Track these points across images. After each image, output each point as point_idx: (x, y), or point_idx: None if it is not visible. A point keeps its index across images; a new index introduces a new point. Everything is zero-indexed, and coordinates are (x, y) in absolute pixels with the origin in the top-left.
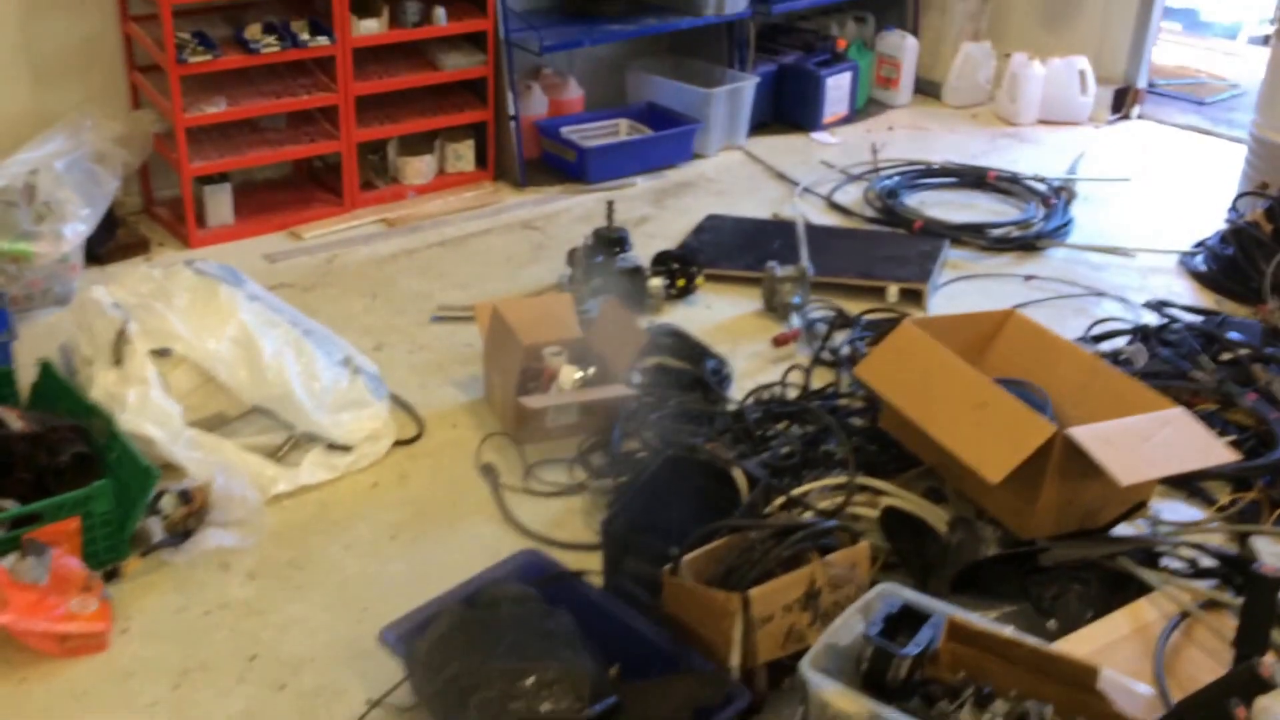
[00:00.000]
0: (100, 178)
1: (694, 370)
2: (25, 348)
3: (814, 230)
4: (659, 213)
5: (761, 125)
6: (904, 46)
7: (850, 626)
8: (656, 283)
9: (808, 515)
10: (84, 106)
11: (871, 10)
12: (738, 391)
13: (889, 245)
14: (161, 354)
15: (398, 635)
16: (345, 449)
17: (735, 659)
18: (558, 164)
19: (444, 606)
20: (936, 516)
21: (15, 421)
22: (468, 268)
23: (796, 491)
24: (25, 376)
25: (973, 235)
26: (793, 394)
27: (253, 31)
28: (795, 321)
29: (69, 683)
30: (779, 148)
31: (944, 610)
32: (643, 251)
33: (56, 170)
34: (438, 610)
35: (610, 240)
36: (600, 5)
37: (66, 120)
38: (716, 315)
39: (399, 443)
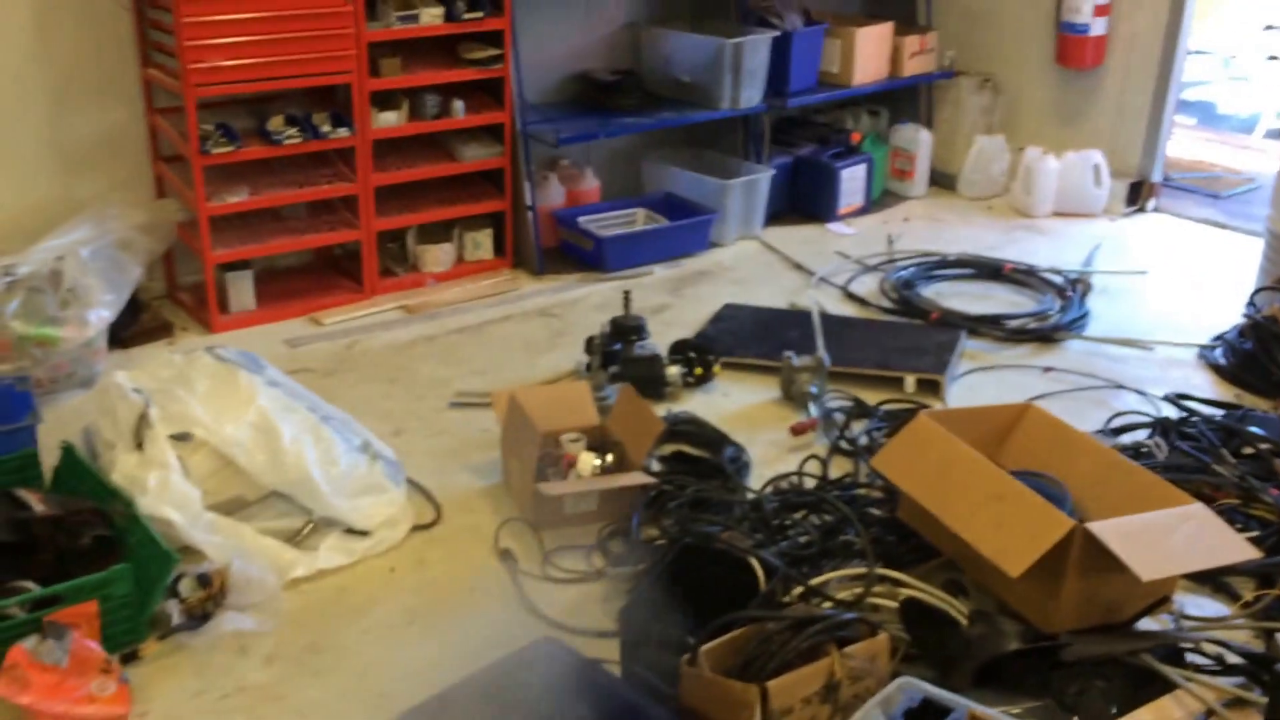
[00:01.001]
0: (124, 264)
1: (712, 458)
2: (49, 430)
3: (830, 320)
4: (676, 301)
5: (777, 215)
6: (918, 140)
7: None
8: (674, 371)
9: (826, 606)
10: (109, 195)
11: (885, 105)
12: (756, 480)
13: (906, 336)
14: (182, 438)
15: None
16: (363, 534)
17: None
18: (575, 252)
19: (457, 697)
20: (957, 609)
21: (38, 504)
22: (486, 354)
23: (815, 581)
24: (48, 459)
25: (990, 326)
26: (810, 483)
27: (275, 123)
28: (813, 411)
29: None
30: (795, 238)
31: (965, 705)
32: (660, 339)
33: (82, 257)
34: (450, 700)
35: (628, 328)
36: (616, 99)
37: (92, 208)
38: (734, 403)
39: (417, 527)
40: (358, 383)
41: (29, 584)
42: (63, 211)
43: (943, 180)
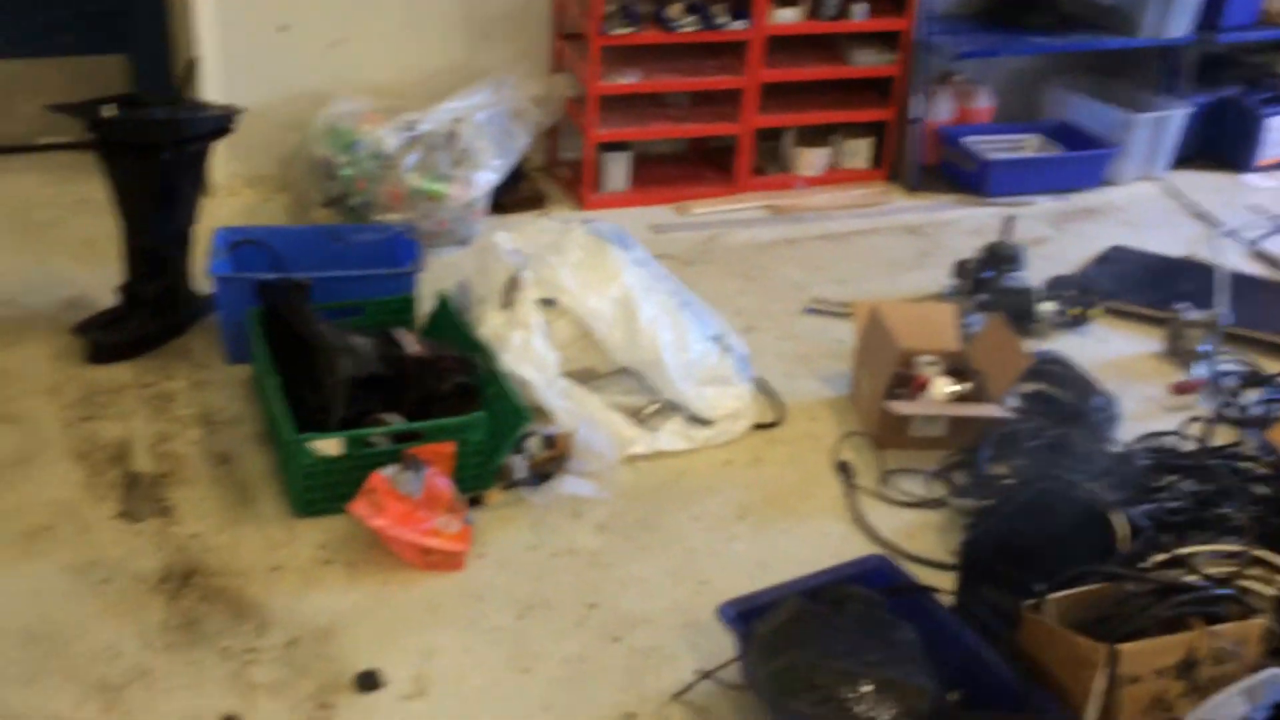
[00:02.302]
0: (514, 133)
1: (1077, 404)
2: (428, 280)
3: (1235, 278)
4: (1058, 236)
5: (1185, 159)
6: None
7: (1230, 707)
8: (1048, 307)
9: (1192, 578)
10: (509, 66)
11: None
12: (1123, 434)
13: None
14: (548, 304)
15: (736, 614)
16: (705, 423)
17: (1092, 714)
18: (955, 173)
19: (787, 594)
20: None
21: (411, 346)
22: (848, 264)
23: (1183, 551)
24: (424, 306)
25: None
26: (1188, 447)
27: (674, 10)
28: (1200, 371)
29: (425, 593)
30: (1202, 185)
31: None
32: (1035, 273)
33: (477, 121)
34: (780, 597)
35: (1003, 256)
36: (1028, 16)
37: (492, 77)
38: (1109, 350)
39: (758, 426)
40: (716, 275)
41: (395, 417)
42: (465, 77)
43: None
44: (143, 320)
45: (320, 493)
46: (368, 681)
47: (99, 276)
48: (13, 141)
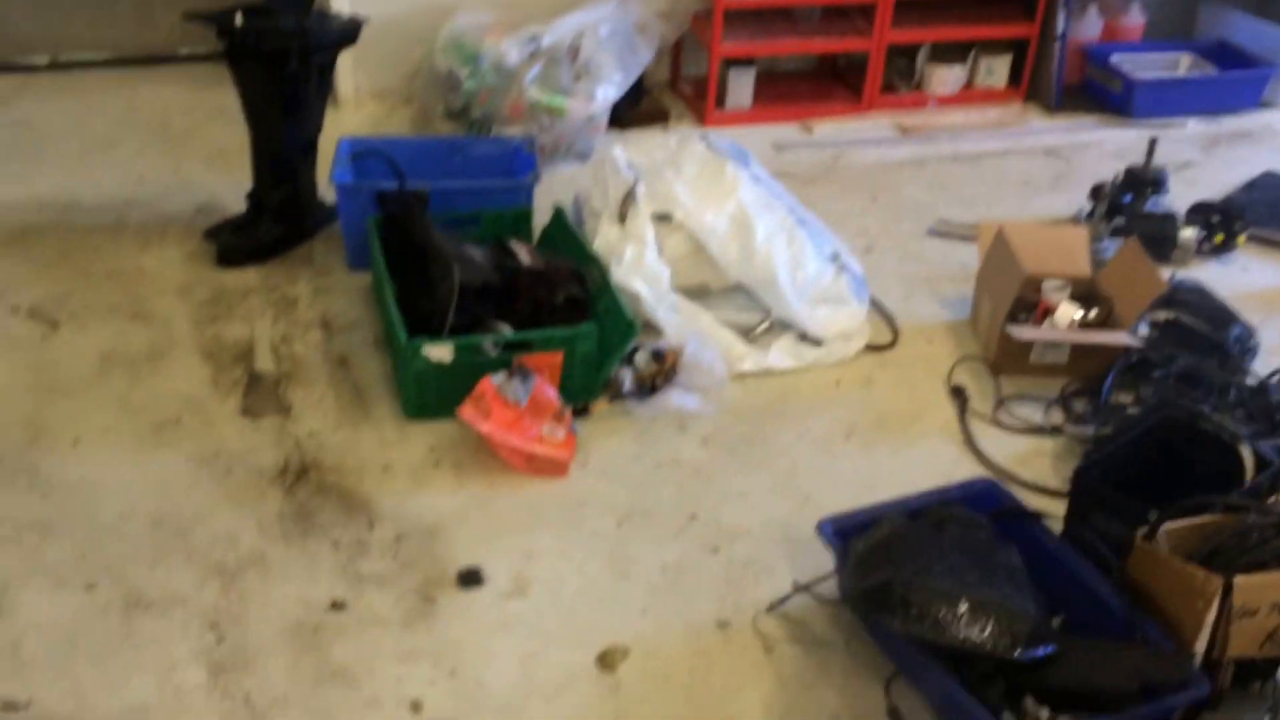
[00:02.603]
0: (637, 47)
1: (1213, 335)
2: (544, 192)
3: None
4: (1206, 160)
5: None
6: None
7: None
8: (1189, 234)
9: None
10: None
11: None
12: (1262, 367)
13: None
14: (662, 218)
15: (836, 529)
16: (816, 342)
17: (1201, 645)
18: (1099, 93)
19: (888, 512)
20: None
21: (525, 256)
22: (977, 186)
23: None
24: (539, 218)
25: None
26: None
27: None
28: None
29: (528, 498)
30: None
31: None
32: (1178, 199)
33: (600, 35)
34: (881, 515)
35: (1145, 180)
36: None
37: None
38: (1253, 281)
39: (870, 347)
40: (837, 194)
41: (505, 326)
42: None
43: None
44: (269, 226)
45: (431, 397)
46: (470, 578)
47: (230, 183)
48: (155, 52)
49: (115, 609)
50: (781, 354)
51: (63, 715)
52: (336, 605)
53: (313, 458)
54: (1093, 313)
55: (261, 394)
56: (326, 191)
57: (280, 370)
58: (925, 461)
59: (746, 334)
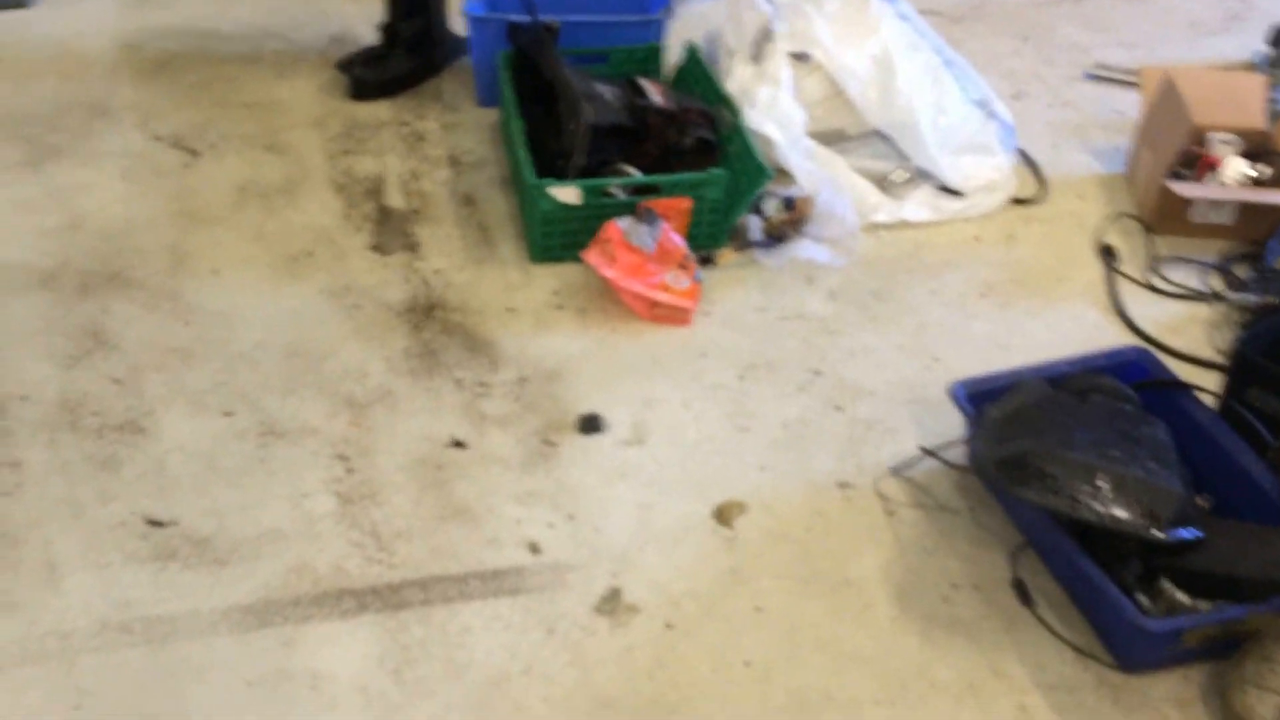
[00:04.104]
0: None
1: None
2: (677, 29)
3: None
4: None
5: None
6: None
7: None
8: None
9: None
10: None
11: None
12: None
13: None
14: (800, 58)
15: (969, 393)
16: (956, 194)
17: None
18: None
19: (1026, 378)
20: None
21: (655, 96)
22: (1141, 26)
23: None
24: (671, 56)
25: None
26: None
27: None
28: None
29: (650, 345)
30: None
31: None
32: None
33: None
34: (1019, 381)
35: None
36: None
37: None
38: None
39: (1015, 200)
40: (986, 35)
41: (633, 169)
42: None
43: None
44: (400, 59)
45: (556, 239)
46: (590, 424)
47: (363, 14)
48: None
49: (251, 435)
50: (919, 205)
51: (203, 535)
52: (459, 444)
53: (439, 296)
54: (1264, 169)
55: (390, 230)
56: (457, 23)
57: (409, 207)
58: (1067, 325)
59: (882, 183)
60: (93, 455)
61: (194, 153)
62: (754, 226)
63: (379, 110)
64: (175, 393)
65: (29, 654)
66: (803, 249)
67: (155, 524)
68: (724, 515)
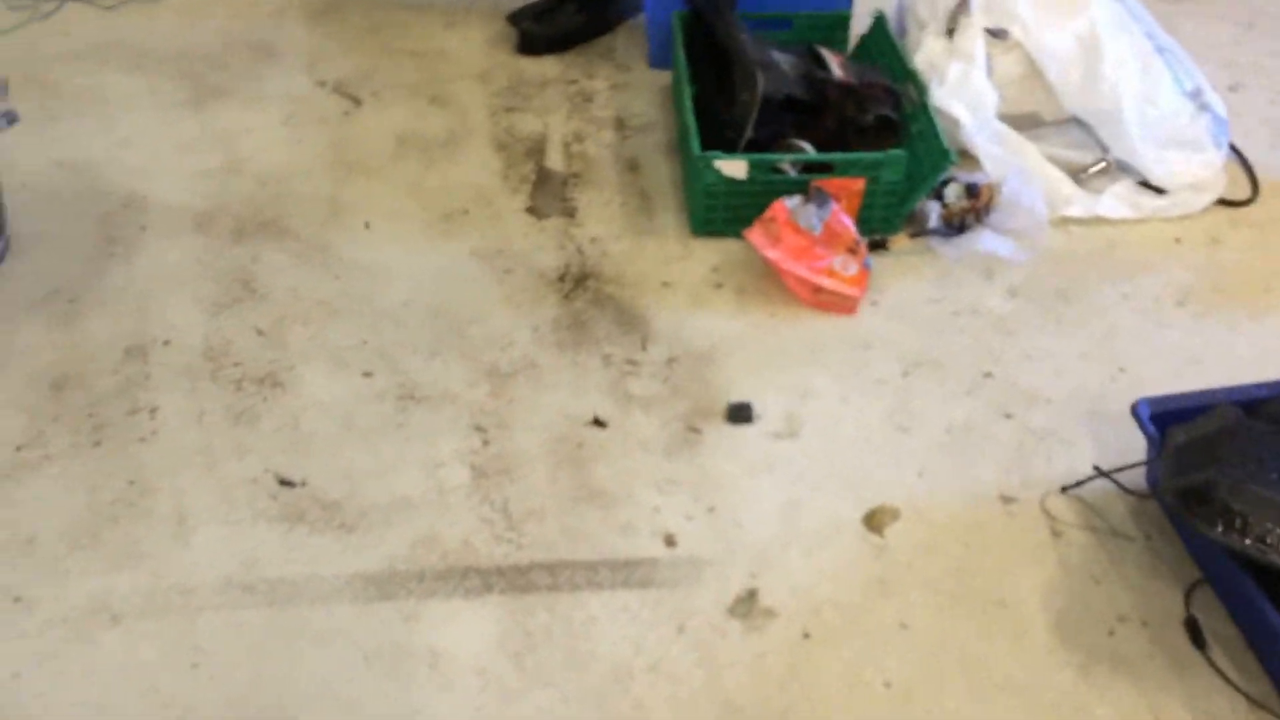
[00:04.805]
0: None
1: None
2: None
3: None
4: None
5: None
6: None
7: None
8: None
9: None
10: None
11: None
12: None
13: None
14: (996, 34)
15: (1154, 412)
16: (1158, 190)
17: None
18: None
19: (1220, 401)
20: None
21: (836, 69)
22: None
23: None
24: (858, 26)
25: None
26: None
27: None
28: None
29: (810, 332)
30: None
31: None
32: None
33: None
34: (1211, 402)
35: None
36: None
37: None
38: None
39: (1223, 202)
40: (1205, 18)
41: (806, 145)
42: None
43: None
44: (572, 14)
45: (720, 213)
46: (740, 413)
47: None
48: None
49: (390, 398)
50: (1116, 201)
51: (333, 498)
52: (600, 423)
53: (593, 265)
54: None
55: (549, 193)
56: None
57: (570, 169)
58: (1271, 343)
59: (1077, 174)
60: (230, 407)
61: (356, 100)
62: (932, 213)
63: (546, 66)
64: (317, 348)
65: (151, 607)
66: (984, 240)
67: (286, 483)
68: (875, 520)
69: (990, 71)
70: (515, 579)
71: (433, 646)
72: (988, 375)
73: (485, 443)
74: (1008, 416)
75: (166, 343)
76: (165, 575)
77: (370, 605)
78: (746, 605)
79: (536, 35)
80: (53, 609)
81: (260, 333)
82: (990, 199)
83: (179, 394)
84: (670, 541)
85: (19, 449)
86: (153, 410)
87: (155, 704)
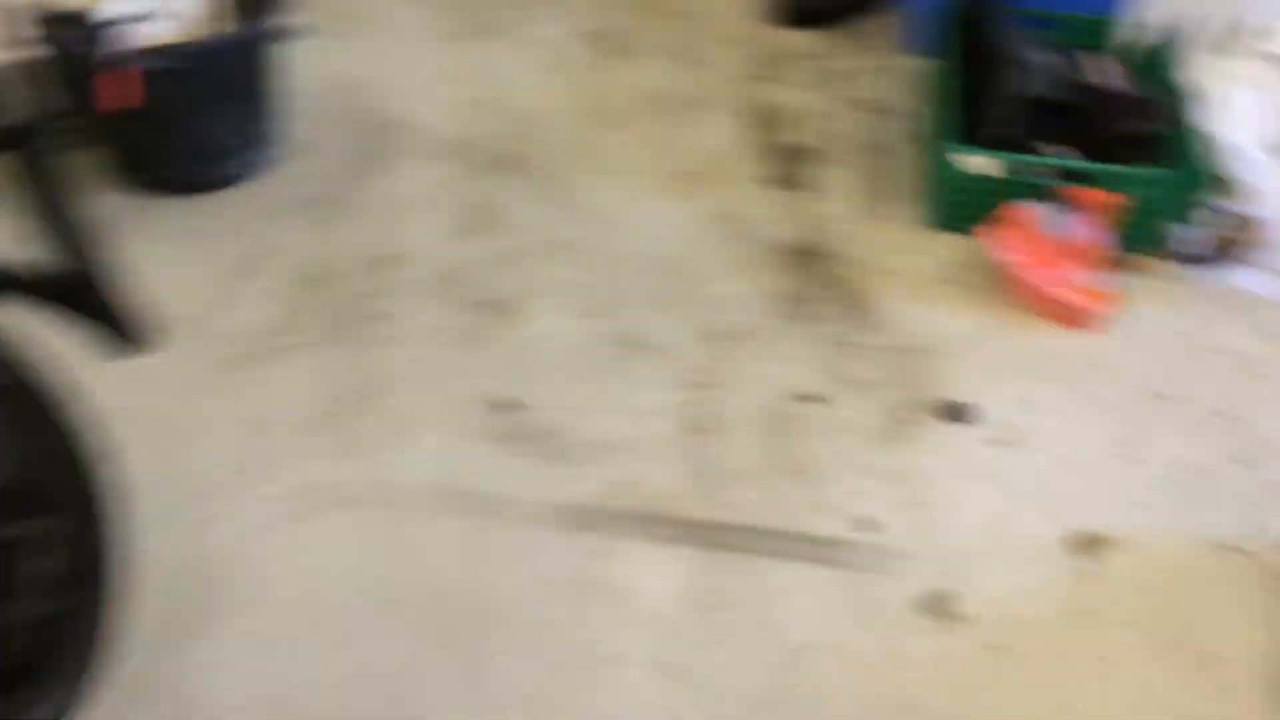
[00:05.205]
0: None
1: None
2: (1138, 3)
3: None
4: None
5: None
6: None
7: None
8: None
9: None
10: None
11: None
12: None
13: None
14: (1277, 59)
15: None
16: None
17: None
18: None
19: None
20: None
21: (1100, 75)
22: None
23: None
24: (1127, 35)
25: None
26: None
27: None
28: None
29: (1041, 344)
30: None
31: None
32: None
33: None
34: None
35: None
36: None
37: None
38: None
39: None
40: None
41: (1064, 150)
42: None
43: None
44: None
45: (961, 209)
46: (958, 412)
47: None
48: None
49: (611, 342)
50: None
51: (546, 428)
52: (812, 399)
53: (824, 243)
54: None
55: (788, 165)
56: None
57: (811, 145)
58: None
59: None
60: (460, 326)
61: (611, 54)
62: (1188, 239)
63: (803, 40)
64: (548, 284)
65: (359, 498)
66: (1242, 275)
67: (504, 407)
68: (1086, 546)
69: (1266, 97)
70: (710, 536)
71: (624, 584)
72: (1226, 417)
73: (698, 401)
74: (1243, 464)
75: (409, 258)
76: (377, 471)
77: (569, 534)
78: (938, 605)
79: (799, 8)
80: (275, 488)
81: (496, 262)
82: (1254, 233)
83: (415, 307)
84: (869, 527)
85: (273, 334)
86: (389, 319)
87: (359, 583)
